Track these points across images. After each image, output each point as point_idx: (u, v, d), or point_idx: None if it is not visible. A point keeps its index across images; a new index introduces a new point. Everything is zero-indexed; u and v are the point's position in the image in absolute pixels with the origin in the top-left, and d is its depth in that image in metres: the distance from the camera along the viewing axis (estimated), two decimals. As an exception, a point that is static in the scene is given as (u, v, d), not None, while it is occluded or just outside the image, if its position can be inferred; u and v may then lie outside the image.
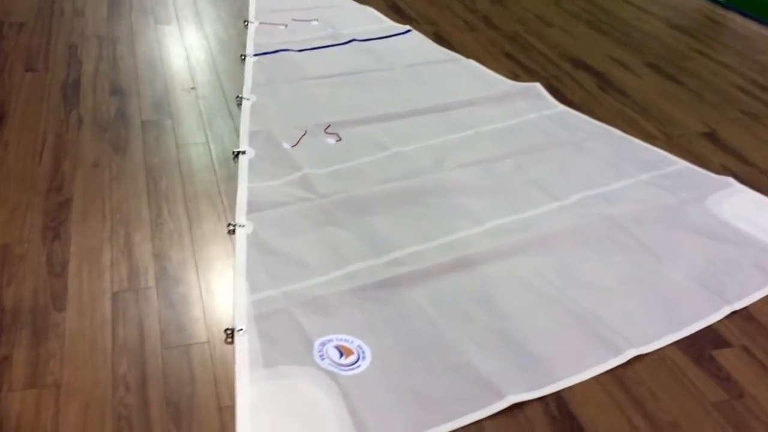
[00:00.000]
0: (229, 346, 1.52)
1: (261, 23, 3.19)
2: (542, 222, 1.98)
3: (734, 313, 1.69)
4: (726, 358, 1.58)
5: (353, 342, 1.56)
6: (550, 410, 1.43)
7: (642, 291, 1.76)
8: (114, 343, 1.51)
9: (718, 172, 2.26)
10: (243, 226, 1.87)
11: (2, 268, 1.68)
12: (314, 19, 3.26)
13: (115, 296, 1.63)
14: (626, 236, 1.94)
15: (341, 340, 1.56)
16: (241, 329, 1.55)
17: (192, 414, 1.37)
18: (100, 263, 1.73)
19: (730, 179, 2.21)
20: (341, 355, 1.52)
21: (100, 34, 2.96)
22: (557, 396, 1.46)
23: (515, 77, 2.85)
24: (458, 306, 1.68)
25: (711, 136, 2.50)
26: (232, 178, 2.08)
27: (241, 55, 2.86)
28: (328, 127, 2.37)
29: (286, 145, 2.25)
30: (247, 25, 3.16)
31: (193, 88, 2.59)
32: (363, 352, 1.53)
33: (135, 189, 2.01)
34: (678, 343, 1.61)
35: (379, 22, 3.31)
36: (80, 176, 2.04)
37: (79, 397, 1.38)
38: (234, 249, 1.80)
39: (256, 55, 2.87)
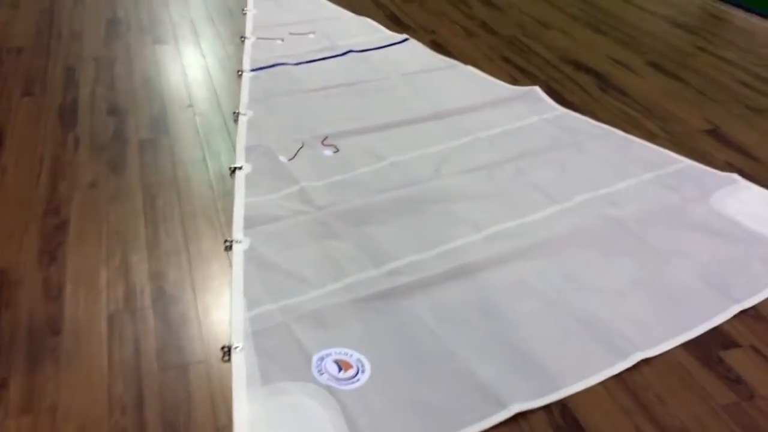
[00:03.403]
0: (227, 365, 1.50)
1: (258, 38, 3.18)
2: (544, 225, 1.95)
3: (742, 312, 1.66)
4: (735, 358, 1.54)
5: (352, 355, 1.53)
6: (554, 419, 1.40)
7: (648, 293, 1.72)
8: (110, 364, 1.50)
9: (722, 169, 2.22)
10: (240, 241, 1.86)
11: (-1, 294, 1.67)
12: (311, 32, 3.26)
13: (111, 317, 1.62)
14: (631, 237, 1.90)
15: (340, 353, 1.53)
16: (238, 346, 1.53)
17: (188, 435, 1.35)
18: (97, 285, 1.71)
19: (735, 175, 2.17)
20: (340, 369, 1.49)
21: (97, 56, 2.97)
22: (562, 404, 1.43)
23: (514, 81, 2.83)
24: (458, 315, 1.65)
25: (714, 133, 2.46)
26: (229, 194, 2.07)
27: (238, 71, 2.86)
28: (325, 138, 2.36)
29: (283, 159, 2.24)
30: (243, 41, 3.16)
31: (190, 106, 2.59)
32: (362, 366, 1.51)
33: (132, 208, 2.00)
34: (686, 345, 1.57)
35: (376, 32, 3.30)
36: (77, 197, 2.03)
37: (75, 421, 1.36)
38: (231, 265, 1.78)
39: (252, 70, 2.87)
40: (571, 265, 1.81)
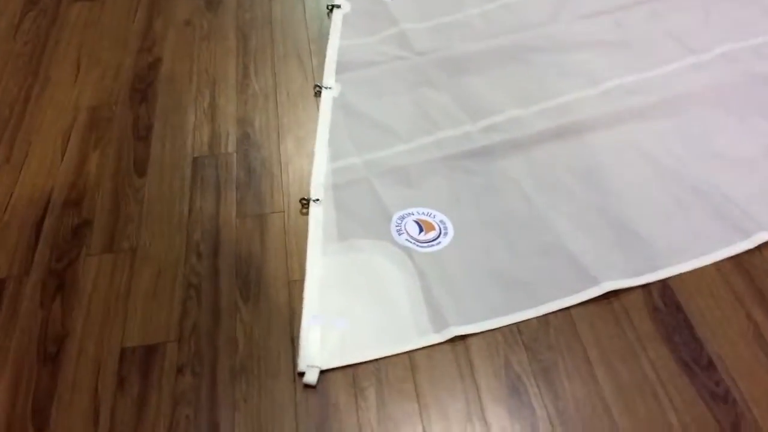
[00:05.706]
0: (305, 217, 1.45)
1: None
2: (673, 81, 1.70)
3: None
4: None
5: (435, 216, 1.43)
6: (652, 300, 1.26)
7: (787, 165, 1.48)
8: (191, 209, 1.48)
9: None
10: (330, 87, 1.75)
11: (90, 132, 1.67)
12: None
13: (195, 162, 1.59)
14: (776, 98, 1.63)
15: (422, 213, 1.44)
16: (317, 199, 1.46)
17: (260, 287, 1.32)
18: (184, 127, 1.68)
19: None
20: (421, 230, 1.40)
21: None
22: (663, 284, 1.28)
23: None
24: (557, 179, 1.49)
25: None
26: (324, 36, 1.93)
27: None
28: (434, -25, 2.13)
29: (386, -3, 2.05)
30: None
31: None
32: (445, 228, 1.41)
33: (224, 48, 1.91)
34: (823, 229, 1.34)
35: None
36: (171, 35, 1.97)
37: (152, 263, 1.38)
38: (318, 113, 1.69)
39: None
40: (698, 128, 1.58)
